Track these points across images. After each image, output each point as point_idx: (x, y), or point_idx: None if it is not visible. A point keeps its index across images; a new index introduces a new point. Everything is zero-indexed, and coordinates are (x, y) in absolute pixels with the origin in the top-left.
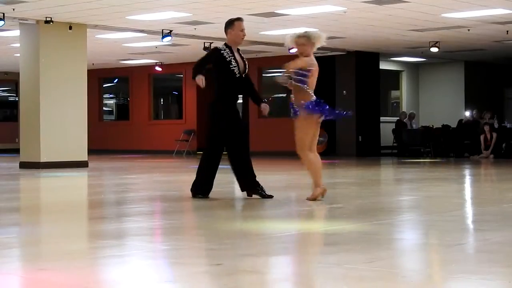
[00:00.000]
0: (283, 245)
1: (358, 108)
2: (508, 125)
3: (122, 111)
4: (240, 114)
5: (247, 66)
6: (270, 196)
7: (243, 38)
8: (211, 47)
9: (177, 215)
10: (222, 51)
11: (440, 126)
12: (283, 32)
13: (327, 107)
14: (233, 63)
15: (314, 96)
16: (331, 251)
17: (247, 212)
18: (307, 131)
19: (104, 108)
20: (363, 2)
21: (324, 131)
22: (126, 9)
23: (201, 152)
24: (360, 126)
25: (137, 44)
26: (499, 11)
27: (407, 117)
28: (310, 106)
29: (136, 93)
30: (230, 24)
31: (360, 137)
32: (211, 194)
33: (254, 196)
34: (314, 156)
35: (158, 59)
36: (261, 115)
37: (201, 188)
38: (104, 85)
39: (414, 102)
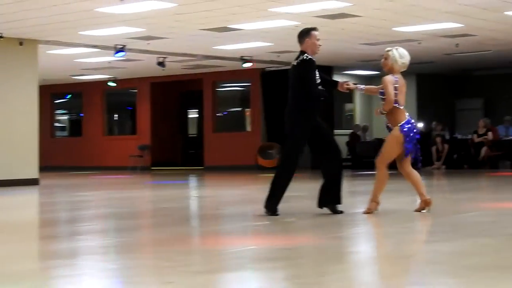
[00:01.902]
0: (236, 261)
1: None
2: (459, 136)
3: (75, 127)
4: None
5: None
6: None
7: (319, 48)
8: (164, 61)
9: (130, 232)
10: (313, 60)
11: None
12: (236, 47)
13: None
14: (317, 74)
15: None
16: (283, 266)
17: (202, 228)
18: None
19: (57, 124)
20: (315, 16)
21: (278, 144)
22: (78, 24)
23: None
24: None
25: (90, 60)
26: (449, 25)
27: (361, 129)
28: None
29: (89, 109)
30: (307, 33)
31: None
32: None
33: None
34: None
35: (111, 74)
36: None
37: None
38: (56, 101)
39: (368, 114)
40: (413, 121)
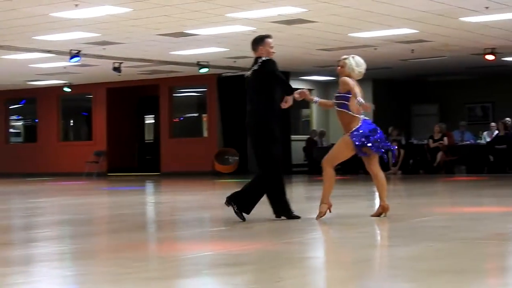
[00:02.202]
0: (193, 267)
1: None
2: (415, 142)
3: (30, 133)
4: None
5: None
6: (298, 217)
7: (272, 55)
8: (120, 66)
9: (86, 239)
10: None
11: None
12: (193, 52)
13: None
14: None
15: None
16: (239, 272)
17: (159, 234)
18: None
19: (11, 130)
20: (272, 22)
21: (235, 150)
22: (33, 29)
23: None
24: None
25: (45, 65)
26: (404, 31)
27: (318, 135)
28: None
29: (44, 115)
30: (261, 41)
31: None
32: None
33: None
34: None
35: (66, 80)
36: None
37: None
38: (10, 107)
39: (324, 120)
40: (362, 129)
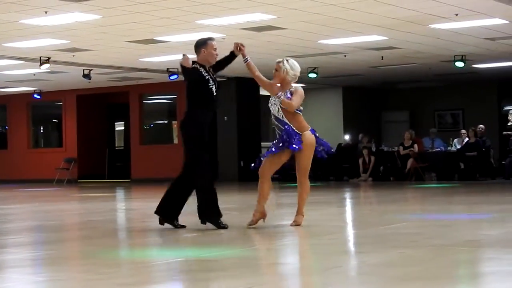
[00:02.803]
0: (164, 273)
1: (239, 133)
2: (386, 149)
3: (0, 140)
4: None
5: (217, 83)
6: (183, 226)
7: (215, 58)
8: (90, 73)
9: (57, 245)
10: (200, 70)
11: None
12: (162, 59)
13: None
14: (210, 82)
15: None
16: (210, 278)
17: (130, 240)
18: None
19: None
20: (241, 29)
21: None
22: (2, 36)
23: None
24: (241, 151)
25: (15, 72)
26: (374, 38)
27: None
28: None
29: (14, 121)
30: (204, 43)
31: (242, 162)
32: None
33: (166, 224)
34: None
35: (36, 87)
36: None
37: (172, 213)
38: None
39: None
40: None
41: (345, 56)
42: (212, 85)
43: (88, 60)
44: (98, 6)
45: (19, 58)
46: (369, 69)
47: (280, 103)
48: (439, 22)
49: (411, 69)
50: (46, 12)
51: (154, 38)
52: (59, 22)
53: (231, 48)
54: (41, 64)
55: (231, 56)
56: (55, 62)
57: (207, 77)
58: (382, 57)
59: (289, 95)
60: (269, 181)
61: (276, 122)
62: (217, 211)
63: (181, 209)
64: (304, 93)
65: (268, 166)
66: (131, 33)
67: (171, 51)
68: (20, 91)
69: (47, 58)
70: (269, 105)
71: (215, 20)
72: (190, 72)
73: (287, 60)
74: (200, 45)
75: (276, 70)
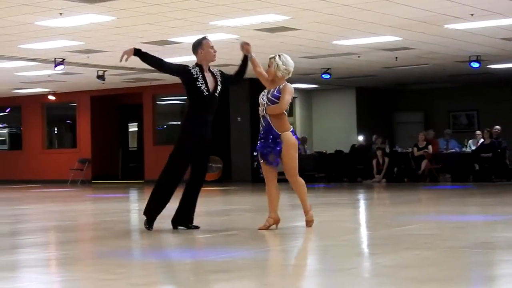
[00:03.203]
0: (176, 273)
1: (252, 134)
2: (400, 150)
3: (15, 141)
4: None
5: (219, 83)
6: (197, 227)
7: (214, 55)
8: (104, 74)
9: (71, 245)
10: (190, 69)
11: (334, 152)
12: (176, 60)
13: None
14: (199, 81)
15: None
16: (224, 278)
17: (143, 241)
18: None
19: None
20: (255, 30)
21: (219, 158)
22: (17, 38)
23: (95, 181)
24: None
25: (30, 73)
26: (388, 38)
27: (299, 141)
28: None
29: (29, 122)
30: (199, 44)
31: (255, 163)
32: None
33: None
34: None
35: (51, 88)
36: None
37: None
38: None
39: (308, 128)
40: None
41: (358, 57)
42: (202, 84)
43: (102, 61)
44: (113, 8)
45: (34, 60)
46: (383, 70)
47: (266, 110)
48: (454, 22)
49: (425, 69)
50: (61, 13)
51: (168, 39)
52: (73, 24)
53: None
54: (55, 65)
55: (245, 60)
56: (70, 63)
57: (195, 76)
58: (396, 57)
59: (277, 93)
60: (275, 184)
61: (260, 115)
62: (152, 212)
63: (193, 211)
64: (318, 94)
65: (268, 169)
66: (145, 34)
67: (185, 52)
68: (35, 92)
69: (61, 60)
70: (260, 98)
71: (228, 21)
72: (180, 72)
73: (279, 56)
74: (196, 46)
75: (269, 66)
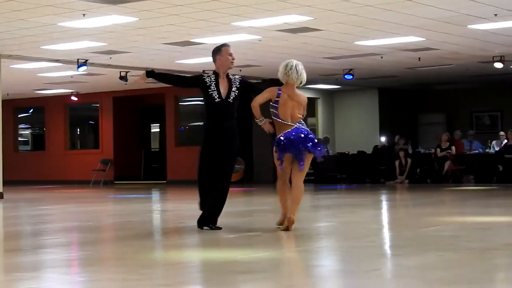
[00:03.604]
0: (200, 274)
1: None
2: (422, 151)
3: (38, 141)
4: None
5: (233, 89)
6: (219, 228)
7: (232, 62)
8: (127, 75)
9: (94, 245)
10: (204, 77)
11: (356, 152)
12: (198, 61)
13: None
14: (212, 88)
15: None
16: (248, 279)
17: (166, 241)
18: None
19: (20, 139)
20: (277, 30)
21: (241, 158)
22: (41, 39)
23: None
24: None
25: (53, 74)
26: (411, 39)
27: (321, 141)
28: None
29: (51, 123)
30: (218, 50)
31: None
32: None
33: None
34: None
35: (73, 89)
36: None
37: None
38: (19, 115)
39: (330, 129)
40: (284, 136)
41: (381, 57)
42: (214, 91)
43: (125, 62)
44: (135, 9)
45: (57, 61)
46: (406, 71)
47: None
48: (477, 22)
49: (448, 70)
50: (84, 14)
51: (190, 40)
52: (96, 25)
53: (267, 49)
54: (78, 66)
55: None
56: (92, 64)
57: (208, 84)
58: (419, 58)
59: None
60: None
61: None
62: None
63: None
64: (340, 95)
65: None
66: (167, 35)
67: (207, 53)
68: (58, 93)
69: (84, 60)
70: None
71: (251, 22)
72: (194, 83)
73: (291, 61)
74: (215, 53)
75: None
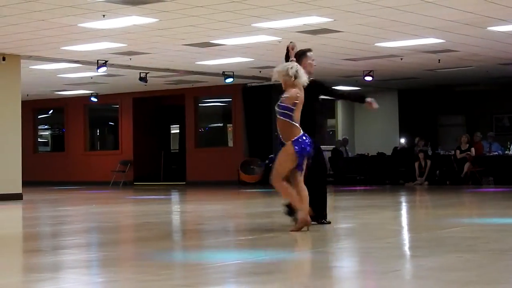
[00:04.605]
0: (219, 275)
1: None
2: (442, 152)
3: (58, 142)
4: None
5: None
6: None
7: (313, 67)
8: (146, 76)
9: (113, 246)
10: None
11: (376, 154)
12: (218, 62)
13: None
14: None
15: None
16: (267, 280)
17: (185, 242)
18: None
19: (39, 140)
20: (297, 32)
21: (260, 159)
22: (60, 40)
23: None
24: None
25: (72, 75)
26: (430, 41)
27: (341, 142)
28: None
29: (71, 124)
30: (303, 54)
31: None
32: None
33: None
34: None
35: (93, 90)
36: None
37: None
38: (38, 116)
39: (350, 130)
40: (305, 137)
41: (401, 59)
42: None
43: (144, 63)
44: (155, 10)
45: (76, 61)
46: (425, 72)
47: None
48: (497, 24)
49: (468, 72)
50: (104, 15)
51: (210, 41)
52: (116, 26)
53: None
54: (98, 67)
55: (361, 101)
56: (112, 65)
57: None
58: (439, 60)
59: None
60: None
61: None
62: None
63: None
64: None
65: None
66: (187, 36)
67: (227, 54)
68: (77, 94)
69: (104, 61)
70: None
71: (271, 23)
72: None
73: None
74: (301, 56)
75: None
